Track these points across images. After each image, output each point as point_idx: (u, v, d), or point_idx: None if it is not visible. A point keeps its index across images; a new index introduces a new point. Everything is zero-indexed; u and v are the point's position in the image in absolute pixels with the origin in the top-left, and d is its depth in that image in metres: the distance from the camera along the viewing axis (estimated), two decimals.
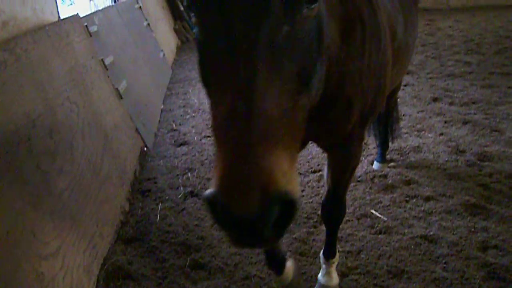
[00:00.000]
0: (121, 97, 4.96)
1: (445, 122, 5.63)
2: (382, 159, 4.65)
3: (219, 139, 1.18)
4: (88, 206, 2.98)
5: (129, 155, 4.49)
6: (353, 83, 2.13)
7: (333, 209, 2.77)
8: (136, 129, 5.14)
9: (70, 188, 2.56)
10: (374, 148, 4.96)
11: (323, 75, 1.55)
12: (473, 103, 6.24)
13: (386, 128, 4.61)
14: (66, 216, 2.59)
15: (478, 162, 4.59)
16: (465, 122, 5.55)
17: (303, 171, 4.64)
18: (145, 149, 5.29)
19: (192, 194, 4.41)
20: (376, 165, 4.65)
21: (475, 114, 5.83)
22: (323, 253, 3.00)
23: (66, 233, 2.48)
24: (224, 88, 1.18)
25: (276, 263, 2.91)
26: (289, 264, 2.96)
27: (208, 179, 4.64)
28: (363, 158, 4.84)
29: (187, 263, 3.40)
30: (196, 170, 4.87)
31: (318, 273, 3.08)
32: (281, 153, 1.13)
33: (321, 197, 3.87)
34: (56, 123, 2.57)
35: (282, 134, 1.16)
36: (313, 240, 3.58)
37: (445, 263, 3.25)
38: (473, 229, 3.57)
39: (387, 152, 4.72)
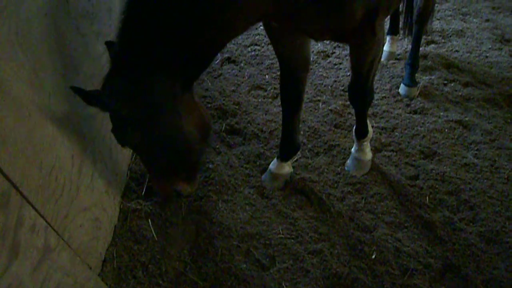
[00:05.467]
0: None
1: (493, 8, 5.32)
2: (410, 82, 3.77)
3: None
4: None
5: None
6: None
7: (357, 94, 2.69)
8: None
9: (107, 52, 2.50)
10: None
11: None
12: None
13: (418, 38, 3.80)
14: None
15: None
16: None
17: (342, 45, 4.48)
18: None
19: (229, 60, 4.31)
20: (402, 89, 3.80)
21: None
22: (354, 132, 3.00)
23: None
24: None
25: (288, 147, 2.92)
26: (288, 169, 2.98)
27: (246, 46, 4.51)
28: (404, 38, 4.64)
29: (223, 128, 3.43)
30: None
31: (352, 146, 3.11)
32: None
33: None
34: None
35: None
36: (349, 113, 3.57)
37: (477, 150, 3.28)
38: (509, 120, 3.55)
39: (416, 72, 3.85)
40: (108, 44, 1.98)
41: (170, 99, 1.86)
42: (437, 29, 4.80)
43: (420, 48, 4.01)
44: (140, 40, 1.67)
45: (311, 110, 3.61)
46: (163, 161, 2.10)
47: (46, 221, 1.76)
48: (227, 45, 4.48)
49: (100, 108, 1.82)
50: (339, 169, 3.08)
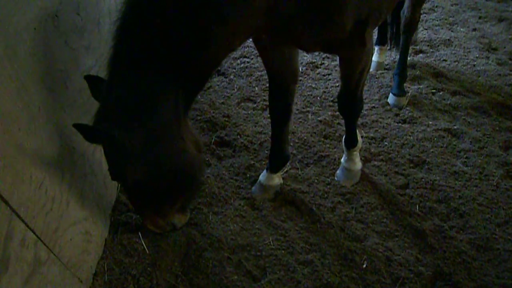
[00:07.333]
0: None
1: (480, 17, 5.41)
2: (399, 91, 3.81)
3: None
4: None
5: None
6: None
7: (346, 104, 2.72)
8: None
9: (98, 65, 2.52)
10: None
11: None
12: None
13: (406, 48, 3.83)
14: None
15: (510, 61, 4.49)
16: (501, 20, 5.32)
17: (331, 56, 4.52)
18: None
19: (218, 72, 4.33)
20: (391, 99, 3.85)
21: None
22: (344, 142, 3.02)
23: (94, 109, 2.47)
24: None
25: (277, 159, 2.94)
26: (278, 180, 2.99)
27: (235, 58, 4.53)
28: (391, 48, 4.70)
29: (213, 141, 3.44)
30: None
31: (342, 156, 3.13)
32: None
33: None
34: (83, 1, 2.44)
35: None
36: (338, 123, 3.60)
37: (466, 158, 3.31)
38: (497, 128, 3.59)
39: (404, 82, 3.89)
40: (90, 78, 1.95)
41: (176, 124, 1.87)
42: (425, 39, 4.86)
43: (408, 58, 4.05)
44: (143, 66, 1.68)
45: (300, 121, 3.63)
46: (166, 190, 2.06)
47: (36, 235, 1.76)
48: None
49: (104, 143, 1.80)
50: (329, 179, 3.10)
